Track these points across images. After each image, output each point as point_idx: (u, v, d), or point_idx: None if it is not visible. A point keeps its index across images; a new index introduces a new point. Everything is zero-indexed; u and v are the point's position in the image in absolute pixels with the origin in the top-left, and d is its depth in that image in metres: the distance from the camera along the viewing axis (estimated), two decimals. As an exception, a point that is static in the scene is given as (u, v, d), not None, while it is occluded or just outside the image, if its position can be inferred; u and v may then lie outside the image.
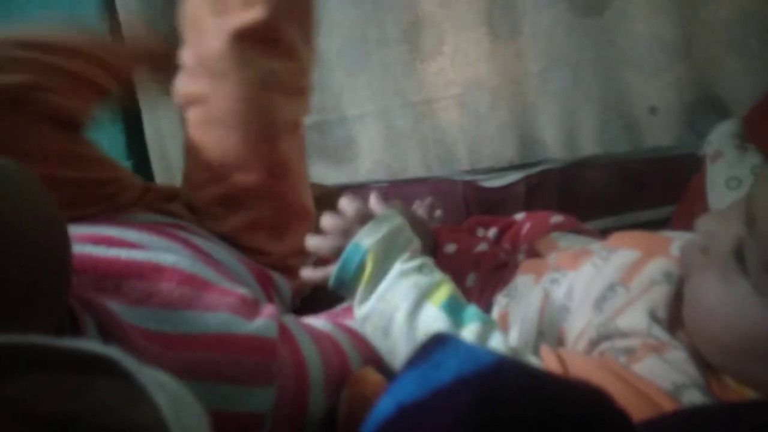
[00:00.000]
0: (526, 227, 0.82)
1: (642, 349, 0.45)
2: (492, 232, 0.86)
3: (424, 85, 1.20)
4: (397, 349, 0.50)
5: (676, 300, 0.48)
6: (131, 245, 0.51)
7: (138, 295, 0.45)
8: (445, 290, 0.51)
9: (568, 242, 0.70)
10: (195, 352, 0.44)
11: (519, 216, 0.87)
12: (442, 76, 1.19)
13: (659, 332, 0.46)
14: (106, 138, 1.26)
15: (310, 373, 0.49)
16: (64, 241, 0.37)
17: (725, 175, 0.71)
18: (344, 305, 0.67)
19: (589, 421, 0.20)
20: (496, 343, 0.49)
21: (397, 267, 0.51)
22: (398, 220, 0.55)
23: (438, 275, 0.52)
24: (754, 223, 0.38)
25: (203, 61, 0.68)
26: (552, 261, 0.66)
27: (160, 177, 1.38)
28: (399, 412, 0.23)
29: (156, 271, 0.48)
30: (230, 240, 0.69)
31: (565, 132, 1.15)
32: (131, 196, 0.69)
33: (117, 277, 0.46)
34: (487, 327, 0.50)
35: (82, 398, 0.24)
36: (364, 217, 0.55)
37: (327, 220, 0.57)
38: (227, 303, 0.48)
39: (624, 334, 0.48)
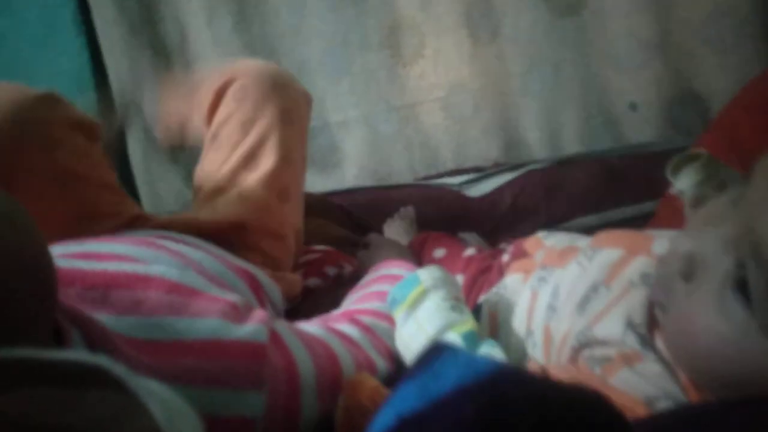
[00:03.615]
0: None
1: (617, 359, 0.45)
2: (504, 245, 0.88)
3: (406, 89, 1.21)
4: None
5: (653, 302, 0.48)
6: (119, 258, 0.52)
7: (126, 305, 0.45)
8: (469, 325, 0.57)
9: (555, 240, 0.71)
10: (184, 358, 0.44)
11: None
12: (424, 79, 1.20)
13: (633, 341, 0.45)
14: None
15: (302, 377, 0.49)
16: (46, 261, 0.37)
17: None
18: (337, 311, 0.67)
19: (589, 425, 0.21)
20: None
21: (437, 300, 0.59)
22: (448, 274, 0.65)
23: (466, 316, 0.59)
24: (759, 250, 0.33)
25: None
26: (539, 259, 0.67)
27: (143, 189, 1.37)
28: (399, 424, 0.23)
29: (143, 280, 0.48)
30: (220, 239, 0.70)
31: (548, 131, 1.16)
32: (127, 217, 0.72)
33: (104, 288, 0.46)
34: (494, 350, 0.54)
35: (75, 410, 0.24)
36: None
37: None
38: (216, 309, 0.48)
39: (601, 343, 0.48)
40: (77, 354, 0.23)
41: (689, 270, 0.39)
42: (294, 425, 0.48)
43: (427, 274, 0.62)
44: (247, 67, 0.84)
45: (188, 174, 1.35)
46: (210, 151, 0.85)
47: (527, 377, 0.24)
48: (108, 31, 1.26)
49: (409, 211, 0.92)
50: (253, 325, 0.48)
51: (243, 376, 0.45)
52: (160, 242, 0.59)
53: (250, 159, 0.81)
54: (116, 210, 0.69)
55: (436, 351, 0.25)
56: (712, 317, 0.36)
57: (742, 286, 0.34)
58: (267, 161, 0.81)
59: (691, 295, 0.39)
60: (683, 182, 0.59)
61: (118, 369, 0.23)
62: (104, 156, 0.73)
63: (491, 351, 0.53)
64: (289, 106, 0.84)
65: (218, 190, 0.82)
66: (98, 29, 1.26)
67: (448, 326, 0.56)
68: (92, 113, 0.86)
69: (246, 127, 0.82)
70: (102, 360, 0.23)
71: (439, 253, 0.87)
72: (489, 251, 0.84)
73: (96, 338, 0.41)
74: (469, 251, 0.82)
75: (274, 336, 0.50)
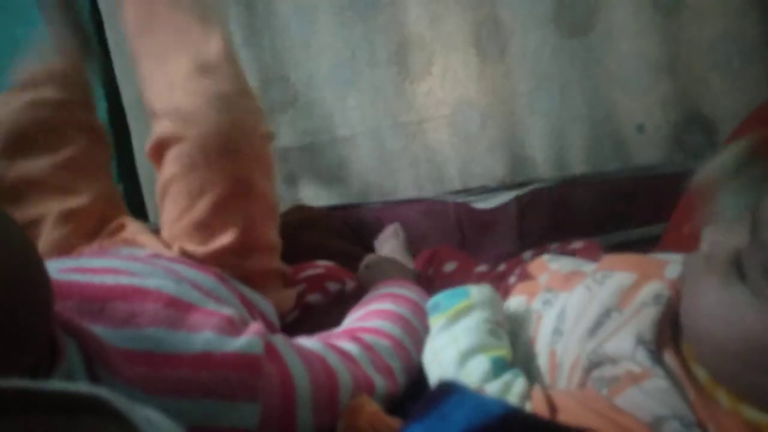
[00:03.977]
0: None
1: (624, 379, 0.46)
2: (528, 254, 0.89)
3: (414, 105, 1.21)
4: (441, 375, 0.56)
5: (665, 320, 0.49)
6: (116, 271, 0.52)
7: (122, 317, 0.46)
8: (502, 352, 0.56)
9: (560, 264, 0.70)
10: (179, 370, 0.44)
11: (554, 245, 0.90)
12: (431, 96, 1.20)
13: (643, 357, 0.46)
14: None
15: (298, 391, 0.49)
16: (42, 277, 0.38)
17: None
18: (338, 330, 0.66)
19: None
20: (514, 396, 0.51)
21: (477, 319, 0.59)
22: (498, 298, 0.63)
23: (503, 342, 0.58)
24: (757, 231, 0.39)
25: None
26: (544, 282, 0.66)
27: (150, 199, 1.37)
28: (406, 466, 0.23)
29: (140, 293, 0.48)
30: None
31: (555, 150, 1.15)
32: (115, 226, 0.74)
33: (101, 301, 0.46)
34: (517, 378, 0.53)
35: None
36: None
37: None
38: (212, 323, 0.48)
39: (612, 360, 0.48)
40: (76, 385, 0.23)
41: (710, 252, 0.44)
42: None
43: (477, 291, 0.61)
44: (193, 125, 0.68)
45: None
46: (164, 199, 0.73)
47: (534, 422, 0.24)
48: (119, 46, 1.27)
49: (396, 228, 0.91)
50: (248, 337, 0.48)
51: (238, 387, 0.45)
52: (154, 260, 0.59)
53: (203, 231, 0.70)
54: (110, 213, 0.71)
55: (444, 391, 0.24)
56: (715, 288, 0.42)
57: (739, 262, 0.41)
58: (223, 238, 0.70)
59: (707, 273, 0.43)
60: (722, 160, 0.61)
61: (117, 400, 0.23)
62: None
63: (509, 379, 0.52)
64: (244, 174, 0.70)
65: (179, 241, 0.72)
66: (110, 44, 1.27)
67: (481, 348, 0.56)
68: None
69: (194, 197, 0.69)
70: (101, 391, 0.23)
71: (450, 267, 0.86)
72: (498, 271, 0.84)
73: (92, 350, 0.41)
74: (482, 267, 0.82)
75: (270, 348, 0.50)
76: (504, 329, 0.60)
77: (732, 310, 0.40)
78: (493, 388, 0.52)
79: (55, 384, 0.24)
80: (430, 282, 0.77)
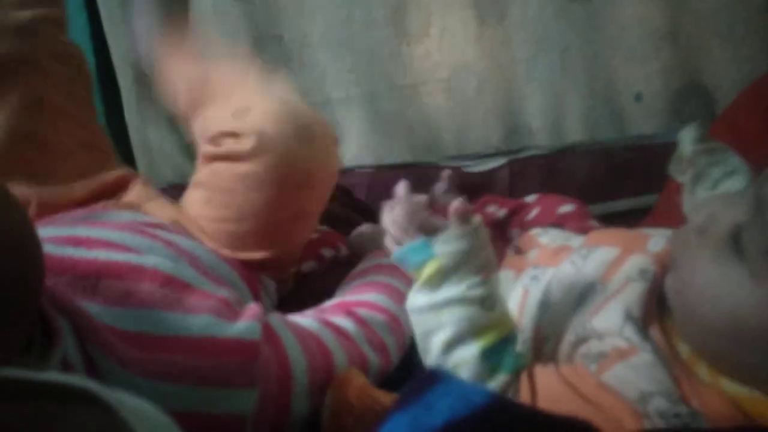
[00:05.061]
0: (534, 213, 0.82)
1: (612, 355, 0.46)
2: (502, 212, 0.85)
3: (410, 68, 1.19)
4: (427, 354, 0.50)
5: (650, 296, 0.49)
6: (112, 245, 0.51)
7: (116, 295, 0.45)
8: (495, 335, 0.49)
9: (549, 238, 0.70)
10: (175, 355, 0.44)
11: (530, 198, 0.86)
12: (428, 59, 1.17)
13: (630, 333, 0.46)
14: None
15: (294, 375, 0.49)
16: (34, 243, 0.37)
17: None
18: (332, 301, 0.66)
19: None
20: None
21: (463, 289, 0.49)
22: (481, 238, 0.52)
23: (497, 314, 0.50)
24: (764, 208, 0.38)
25: None
26: (532, 257, 0.67)
27: (141, 159, 1.36)
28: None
29: (136, 271, 0.48)
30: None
31: (551, 118, 1.14)
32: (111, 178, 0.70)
33: (95, 278, 0.46)
34: (514, 378, 0.48)
35: (63, 424, 0.24)
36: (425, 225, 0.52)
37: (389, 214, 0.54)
38: (209, 306, 0.48)
39: (599, 335, 0.49)
40: (65, 376, 0.23)
41: (705, 226, 0.43)
42: (284, 422, 0.48)
43: (444, 247, 0.49)
44: (274, 151, 0.62)
45: (185, 145, 1.33)
46: (204, 200, 0.68)
47: (519, 411, 0.24)
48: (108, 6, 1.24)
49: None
50: (246, 323, 0.48)
51: (234, 374, 0.45)
52: (154, 231, 0.58)
53: (237, 241, 0.66)
54: (89, 165, 0.67)
55: (429, 380, 0.25)
56: (708, 263, 0.41)
57: (738, 238, 0.39)
58: (255, 254, 0.66)
59: (700, 246, 0.42)
60: (684, 141, 0.63)
61: (104, 392, 0.23)
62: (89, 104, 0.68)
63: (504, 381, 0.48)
64: (305, 206, 0.67)
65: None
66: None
67: (471, 332, 0.48)
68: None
69: (244, 214, 0.65)
70: (89, 383, 0.23)
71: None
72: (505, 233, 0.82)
73: (85, 331, 0.41)
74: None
75: (268, 331, 0.50)
76: (493, 279, 0.51)
77: (724, 287, 0.40)
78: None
79: (48, 374, 0.24)
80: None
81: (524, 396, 0.45)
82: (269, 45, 1.24)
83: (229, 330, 0.47)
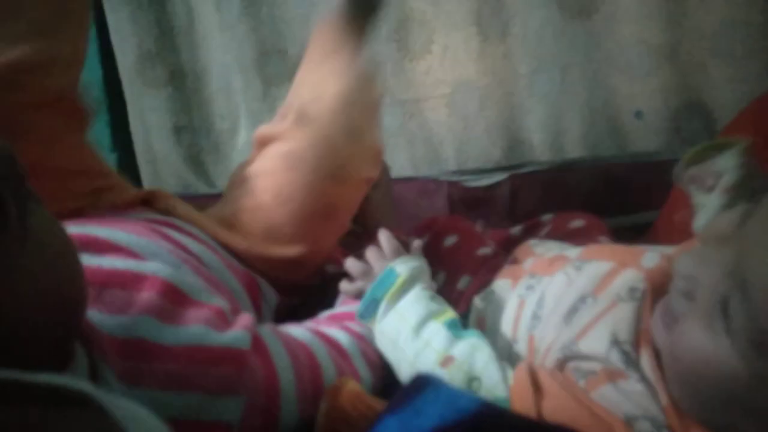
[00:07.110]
0: (546, 230, 0.83)
1: (601, 375, 0.45)
2: (517, 228, 0.87)
3: (412, 83, 1.20)
4: (402, 357, 0.58)
5: (640, 317, 0.48)
6: (116, 250, 0.51)
7: (117, 304, 0.45)
8: (450, 314, 0.59)
9: (545, 248, 0.70)
10: (165, 363, 0.44)
11: (546, 217, 0.88)
12: (430, 75, 1.19)
13: (617, 360, 0.46)
14: (92, 131, 1.25)
15: (282, 385, 0.49)
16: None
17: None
18: (327, 313, 0.66)
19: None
20: (485, 355, 0.52)
21: (417, 291, 0.61)
22: (424, 263, 0.66)
23: (446, 305, 0.61)
24: (744, 287, 0.36)
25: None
26: (528, 266, 0.67)
27: (145, 168, 1.37)
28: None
29: (137, 279, 0.48)
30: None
31: (552, 134, 1.15)
32: (125, 197, 0.68)
33: (99, 286, 0.46)
34: (482, 340, 0.55)
35: (61, 426, 0.25)
36: (399, 251, 0.67)
37: (371, 254, 0.67)
38: (201, 316, 0.48)
39: (586, 357, 0.48)
40: (60, 378, 0.23)
41: (690, 289, 0.42)
42: (272, 431, 0.48)
43: (403, 266, 0.63)
44: (322, 137, 0.67)
45: (190, 156, 1.34)
46: (239, 185, 0.72)
47: (508, 417, 0.24)
48: (115, 10, 1.25)
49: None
50: (236, 332, 0.48)
51: (221, 382, 0.45)
52: (163, 230, 0.58)
53: (271, 234, 0.69)
54: (94, 188, 0.65)
55: (419, 385, 0.25)
56: (699, 332, 0.39)
57: (726, 310, 0.38)
58: (288, 249, 0.69)
59: (690, 313, 0.41)
60: (724, 163, 0.56)
61: (99, 394, 0.23)
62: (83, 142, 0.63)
63: (475, 341, 0.54)
64: (338, 202, 0.71)
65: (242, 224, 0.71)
66: (106, 8, 1.25)
67: (430, 315, 0.58)
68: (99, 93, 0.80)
69: (281, 199, 0.68)
70: (84, 385, 0.23)
71: (450, 240, 0.83)
72: (503, 255, 0.82)
73: (89, 338, 0.41)
74: (484, 250, 0.79)
75: (257, 341, 0.50)
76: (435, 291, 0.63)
77: (713, 361, 0.38)
78: (460, 352, 0.53)
79: (44, 377, 0.24)
80: (428, 253, 0.74)
81: (523, 392, 0.45)
82: (274, 59, 1.26)
83: (218, 339, 0.47)
